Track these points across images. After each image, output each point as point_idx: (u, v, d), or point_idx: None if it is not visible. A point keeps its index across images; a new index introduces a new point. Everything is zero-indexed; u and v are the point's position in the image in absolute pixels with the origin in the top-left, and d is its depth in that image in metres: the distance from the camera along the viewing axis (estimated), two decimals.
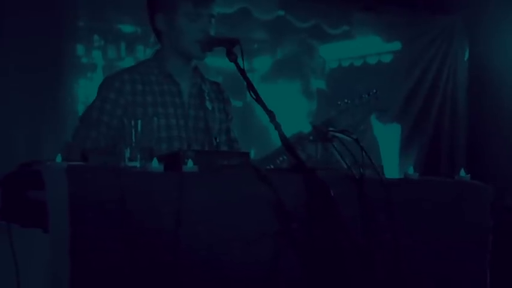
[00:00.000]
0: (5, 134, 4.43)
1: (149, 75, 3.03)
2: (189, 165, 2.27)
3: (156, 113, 2.94)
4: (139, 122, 2.36)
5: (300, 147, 2.83)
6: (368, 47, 6.25)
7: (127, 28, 5.16)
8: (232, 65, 2.66)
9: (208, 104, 3.13)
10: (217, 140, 3.09)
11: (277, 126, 2.47)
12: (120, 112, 2.93)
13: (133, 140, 2.34)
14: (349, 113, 2.98)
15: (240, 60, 2.67)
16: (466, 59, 6.21)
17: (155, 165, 2.24)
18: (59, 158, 2.14)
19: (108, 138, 2.91)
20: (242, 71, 2.64)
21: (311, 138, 2.87)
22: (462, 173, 2.84)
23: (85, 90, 4.80)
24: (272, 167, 2.78)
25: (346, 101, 2.97)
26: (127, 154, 2.32)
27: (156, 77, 3.04)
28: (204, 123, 3.09)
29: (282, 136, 2.47)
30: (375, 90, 3.00)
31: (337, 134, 2.67)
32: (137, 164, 2.30)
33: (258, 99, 2.55)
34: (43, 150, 4.44)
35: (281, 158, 2.87)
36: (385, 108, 3.03)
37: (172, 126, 2.99)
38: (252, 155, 2.55)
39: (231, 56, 2.69)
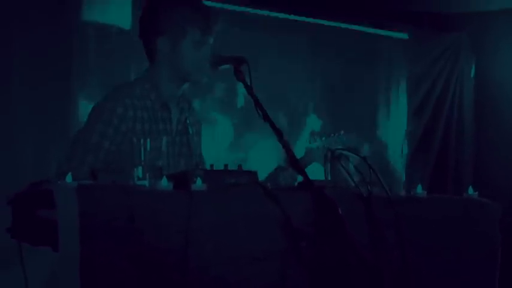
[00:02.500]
0: (13, 150, 4.44)
1: (145, 100, 3.01)
2: (198, 184, 2.28)
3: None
4: (148, 141, 2.38)
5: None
6: None
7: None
8: None
9: (190, 129, 3.16)
10: (200, 167, 3.10)
11: (286, 145, 2.49)
12: (119, 138, 2.90)
13: (143, 158, 2.36)
14: (318, 152, 3.13)
15: (247, 79, 2.69)
16: (472, 75, 6.21)
17: (164, 184, 2.25)
18: (69, 178, 2.15)
19: (103, 164, 2.87)
20: (250, 90, 2.65)
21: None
22: (470, 190, 2.85)
23: None
24: None
25: (315, 139, 3.12)
26: (137, 173, 2.34)
27: (152, 103, 3.02)
28: (187, 148, 3.11)
29: (290, 154, 2.49)
30: (342, 132, 3.16)
31: (345, 152, 2.69)
32: (146, 182, 2.31)
33: (266, 118, 2.56)
34: (51, 167, 4.44)
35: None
36: (354, 148, 3.21)
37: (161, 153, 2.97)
38: None
39: (239, 75, 2.70)
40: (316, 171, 2.76)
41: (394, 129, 6.12)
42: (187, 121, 3.15)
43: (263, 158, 5.27)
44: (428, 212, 2.70)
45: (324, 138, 3.21)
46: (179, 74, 3.05)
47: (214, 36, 3.05)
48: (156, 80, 3.06)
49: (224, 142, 5.39)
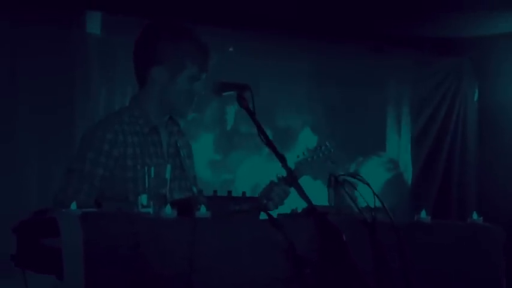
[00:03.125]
0: (17, 176, 4.45)
1: (135, 126, 3.02)
2: (202, 211, 2.29)
3: (144, 164, 2.92)
4: (152, 168, 2.38)
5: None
6: None
7: None
8: None
9: (181, 152, 3.16)
10: (196, 189, 3.11)
11: (289, 170, 2.50)
12: (112, 164, 2.90)
13: (146, 186, 2.36)
14: (307, 165, 3.19)
15: (250, 106, 2.70)
16: (475, 99, 6.22)
17: (168, 211, 2.26)
18: (73, 206, 2.16)
19: (99, 191, 2.86)
20: (252, 116, 2.67)
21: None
22: (474, 215, 2.85)
23: None
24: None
25: (303, 153, 3.17)
26: (141, 200, 2.34)
27: (141, 128, 3.02)
28: (180, 171, 3.11)
29: (293, 179, 2.50)
30: (327, 143, 3.19)
31: (349, 178, 2.69)
32: (150, 210, 2.32)
33: (269, 143, 2.57)
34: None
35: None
36: (338, 159, 3.25)
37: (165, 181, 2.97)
38: None
39: (242, 102, 2.71)
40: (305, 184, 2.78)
41: (398, 154, 6.12)
42: (178, 144, 3.16)
43: (250, 176, 5.28)
44: (432, 238, 2.69)
45: (310, 150, 3.25)
46: (167, 105, 3.06)
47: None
48: (145, 107, 3.06)
49: (206, 162, 5.38)
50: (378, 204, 2.61)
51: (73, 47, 4.66)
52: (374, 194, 2.61)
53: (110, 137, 2.92)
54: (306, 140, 5.67)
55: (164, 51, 3.01)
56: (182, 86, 3.02)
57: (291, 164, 2.92)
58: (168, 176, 2.42)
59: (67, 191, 2.85)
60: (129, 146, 2.96)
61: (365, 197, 2.62)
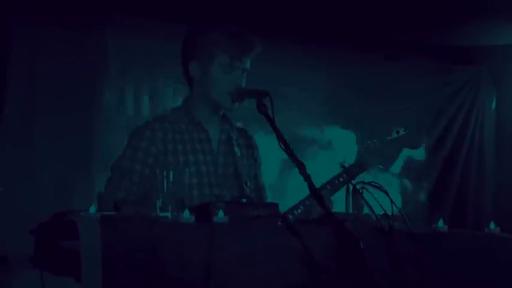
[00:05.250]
0: (34, 178, 4.47)
1: (179, 124, 3.07)
2: (220, 216, 2.29)
3: (187, 160, 2.98)
4: (171, 172, 2.39)
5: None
6: None
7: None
8: None
9: (236, 150, 3.16)
10: (248, 185, 3.12)
11: (307, 178, 2.49)
12: (151, 161, 2.96)
13: (165, 189, 2.37)
14: (377, 152, 3.04)
15: (270, 112, 2.70)
16: (493, 108, 6.19)
17: (186, 215, 2.27)
18: (92, 209, 2.17)
19: (140, 187, 2.94)
20: (272, 123, 2.67)
21: (341, 179, 3.00)
22: (492, 225, 2.84)
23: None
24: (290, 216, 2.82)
25: (374, 140, 3.05)
26: (159, 204, 2.35)
27: (186, 126, 3.08)
28: (234, 169, 3.12)
29: (312, 187, 2.49)
30: (403, 129, 3.07)
31: (367, 186, 2.68)
32: (169, 214, 2.33)
33: (288, 151, 2.57)
34: (73, 196, 4.48)
35: (299, 210, 2.91)
36: (416, 145, 3.05)
37: (202, 173, 3.02)
38: None
39: (261, 108, 2.72)
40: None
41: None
42: (234, 142, 3.17)
43: None
44: (450, 247, 2.68)
45: (386, 139, 3.09)
46: (209, 100, 3.08)
47: (246, 65, 3.07)
48: (189, 107, 3.12)
49: None
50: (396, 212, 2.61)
51: (92, 51, 4.67)
52: (392, 202, 2.60)
53: (148, 135, 2.99)
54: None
55: (195, 45, 3.07)
56: (217, 77, 3.04)
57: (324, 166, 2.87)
58: (187, 180, 2.43)
59: (107, 189, 2.97)
60: (169, 142, 3.01)
61: (383, 204, 2.61)
